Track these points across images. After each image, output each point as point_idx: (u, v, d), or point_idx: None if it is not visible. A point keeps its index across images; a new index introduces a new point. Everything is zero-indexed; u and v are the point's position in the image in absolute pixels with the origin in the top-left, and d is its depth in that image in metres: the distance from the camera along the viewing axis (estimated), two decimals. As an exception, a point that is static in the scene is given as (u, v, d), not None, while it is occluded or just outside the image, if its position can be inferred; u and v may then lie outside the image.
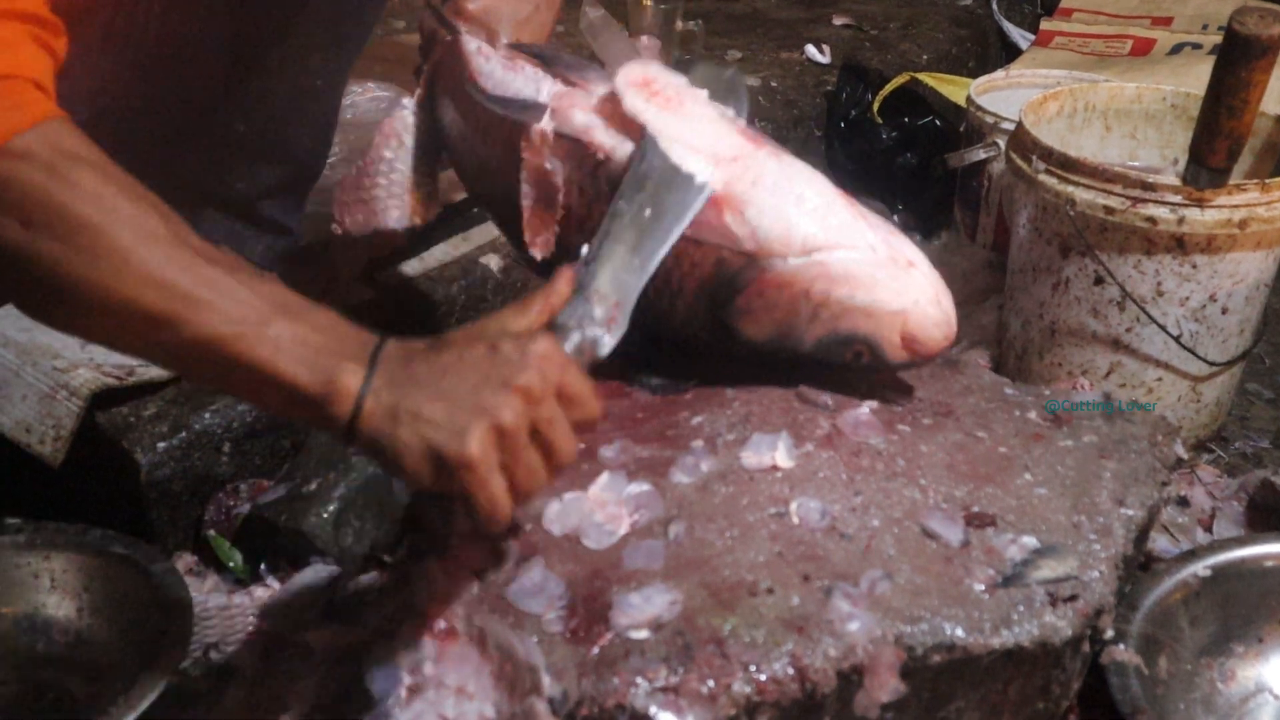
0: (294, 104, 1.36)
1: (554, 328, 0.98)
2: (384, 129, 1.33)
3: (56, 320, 0.95)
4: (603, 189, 1.14)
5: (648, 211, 1.08)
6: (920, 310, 1.11)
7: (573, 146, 1.15)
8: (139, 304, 0.86)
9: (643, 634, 0.92)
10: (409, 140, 1.34)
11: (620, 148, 1.13)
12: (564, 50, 1.28)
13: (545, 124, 1.15)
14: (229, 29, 1.30)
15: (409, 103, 1.34)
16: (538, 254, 1.19)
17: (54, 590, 1.22)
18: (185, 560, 1.33)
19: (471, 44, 1.25)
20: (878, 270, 1.11)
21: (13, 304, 0.93)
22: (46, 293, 0.88)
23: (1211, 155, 1.40)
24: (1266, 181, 1.39)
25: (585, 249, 1.05)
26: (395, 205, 1.34)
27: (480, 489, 0.86)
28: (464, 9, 1.29)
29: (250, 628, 1.24)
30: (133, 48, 1.30)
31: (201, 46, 1.31)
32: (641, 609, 0.94)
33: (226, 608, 1.27)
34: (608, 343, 1.01)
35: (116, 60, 1.28)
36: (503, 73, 1.22)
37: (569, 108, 1.15)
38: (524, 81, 1.21)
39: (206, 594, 1.28)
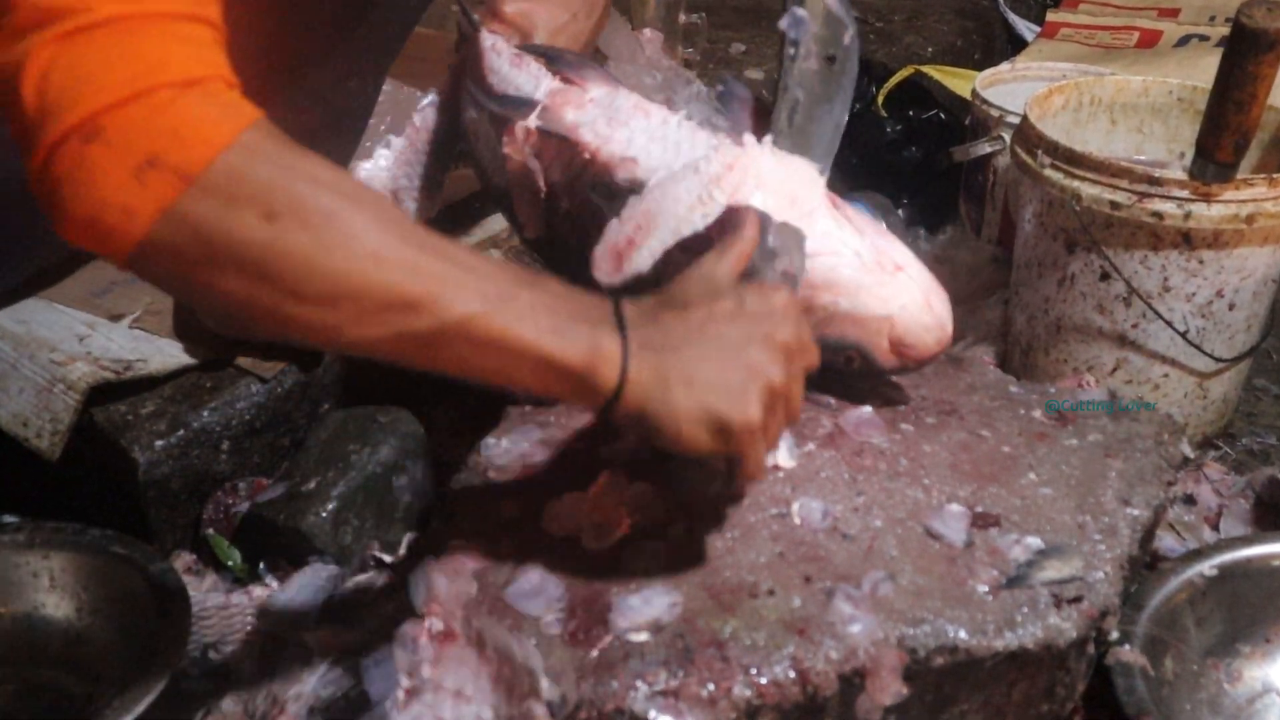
0: (327, 123, 1.36)
1: (748, 273, 0.96)
2: (413, 122, 1.33)
3: (289, 320, 0.84)
4: (588, 187, 1.13)
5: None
6: (908, 315, 1.11)
7: (560, 144, 1.14)
8: (396, 289, 0.81)
9: (642, 636, 0.92)
10: (428, 135, 1.34)
11: (606, 147, 1.12)
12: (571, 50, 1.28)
13: (531, 120, 1.16)
14: (271, 50, 1.29)
15: (433, 97, 1.34)
16: (529, 234, 1.24)
17: (53, 590, 1.21)
18: (184, 559, 1.32)
19: (487, 40, 1.25)
20: (863, 275, 1.10)
21: (229, 311, 0.85)
22: (289, 290, 0.81)
23: (1218, 150, 1.38)
24: (1274, 176, 1.38)
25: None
26: (407, 199, 1.35)
27: (754, 451, 0.86)
28: (500, 11, 1.28)
29: (249, 627, 1.23)
30: None
31: (242, 65, 1.30)
32: (641, 611, 0.93)
33: (225, 607, 1.26)
34: (798, 281, 1.02)
35: None
36: (509, 69, 1.22)
37: (561, 105, 1.15)
38: (526, 78, 1.21)
39: (205, 593, 1.27)
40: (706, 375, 0.84)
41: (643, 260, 1.08)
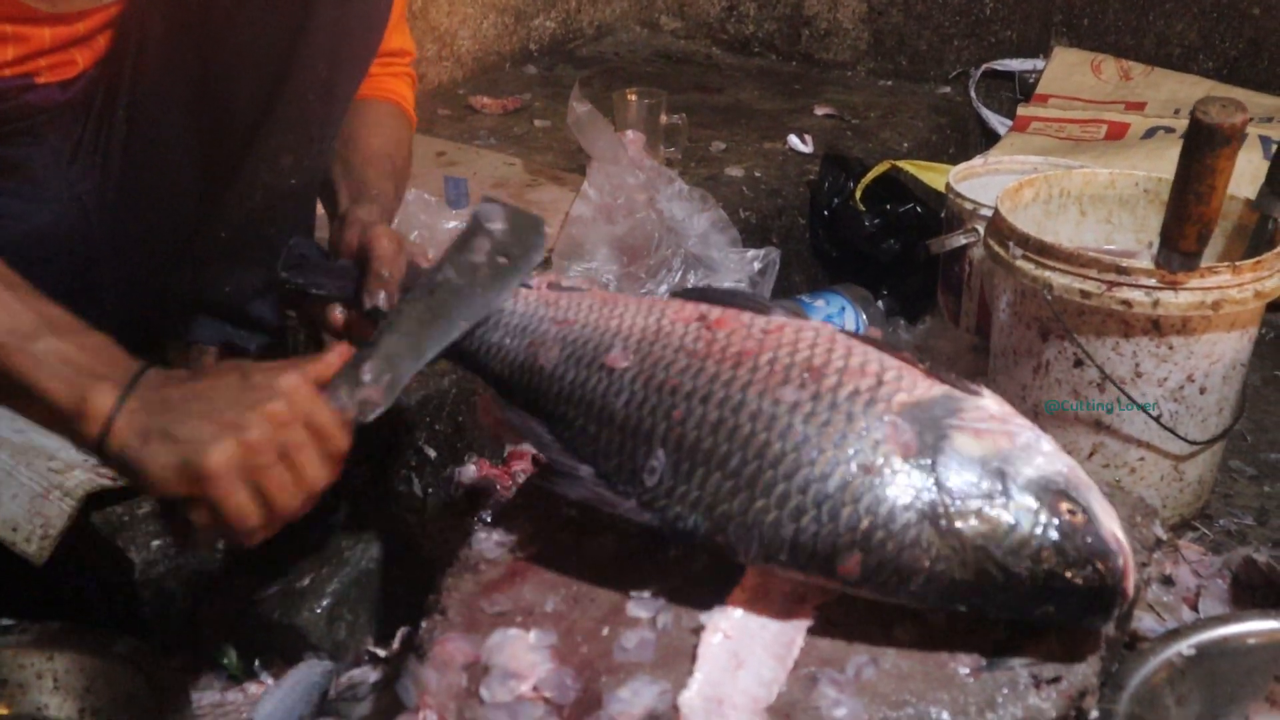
0: (270, 205, 1.38)
1: (323, 386, 1.04)
2: None
3: None
4: None
5: (432, 315, 1.13)
6: None
7: None
8: None
9: (632, 725, 0.93)
10: None
11: None
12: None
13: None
14: (195, 143, 1.33)
15: None
16: None
17: (57, 691, 1.22)
18: (179, 658, 1.33)
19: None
20: None
21: None
22: None
23: (1182, 240, 1.43)
24: (1237, 264, 1.42)
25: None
26: None
27: (227, 498, 0.94)
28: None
29: (244, 725, 1.24)
30: (104, 172, 1.34)
31: (171, 163, 1.34)
32: (631, 701, 0.95)
33: (220, 705, 1.27)
34: (372, 410, 1.06)
35: (92, 186, 1.34)
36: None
37: None
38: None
39: (200, 691, 1.29)
40: (184, 431, 0.94)
41: None
